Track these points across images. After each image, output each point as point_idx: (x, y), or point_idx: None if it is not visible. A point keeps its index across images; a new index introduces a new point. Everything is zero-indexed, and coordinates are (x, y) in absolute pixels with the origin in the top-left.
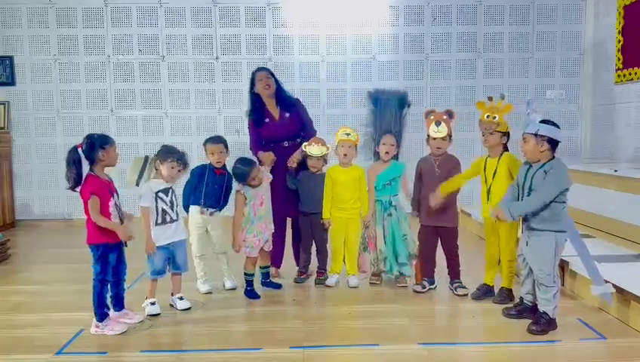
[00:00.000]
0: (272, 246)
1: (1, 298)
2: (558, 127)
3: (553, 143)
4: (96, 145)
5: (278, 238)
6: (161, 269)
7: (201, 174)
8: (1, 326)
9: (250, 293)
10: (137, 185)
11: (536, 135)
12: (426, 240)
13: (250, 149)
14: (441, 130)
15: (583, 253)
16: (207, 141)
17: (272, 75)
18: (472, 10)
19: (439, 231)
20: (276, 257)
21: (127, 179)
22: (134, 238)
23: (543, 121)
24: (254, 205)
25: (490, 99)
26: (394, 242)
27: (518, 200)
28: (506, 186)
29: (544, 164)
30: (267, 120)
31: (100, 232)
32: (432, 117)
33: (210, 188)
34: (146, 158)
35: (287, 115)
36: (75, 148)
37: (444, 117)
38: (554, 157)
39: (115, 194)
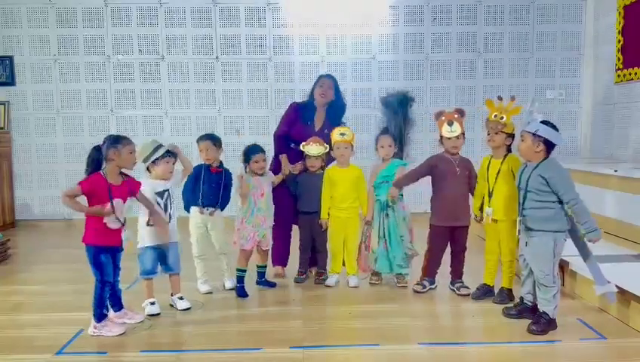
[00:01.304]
0: (270, 245)
1: (1, 298)
2: (557, 130)
3: (549, 145)
4: (109, 143)
5: (284, 238)
6: (150, 269)
7: (197, 174)
8: (1, 326)
9: (240, 291)
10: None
11: (534, 134)
12: (437, 241)
13: (274, 134)
14: (455, 130)
15: (584, 252)
16: (199, 138)
17: (337, 88)
18: (472, 10)
19: (453, 231)
20: (283, 256)
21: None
22: (109, 215)
23: (544, 122)
24: (255, 195)
25: (499, 98)
26: (390, 243)
27: (519, 200)
28: (508, 187)
29: (537, 165)
30: (309, 122)
31: (95, 234)
32: (443, 118)
33: (207, 187)
34: (158, 146)
35: (326, 131)
36: (96, 148)
37: (456, 115)
38: (546, 157)
39: (119, 200)
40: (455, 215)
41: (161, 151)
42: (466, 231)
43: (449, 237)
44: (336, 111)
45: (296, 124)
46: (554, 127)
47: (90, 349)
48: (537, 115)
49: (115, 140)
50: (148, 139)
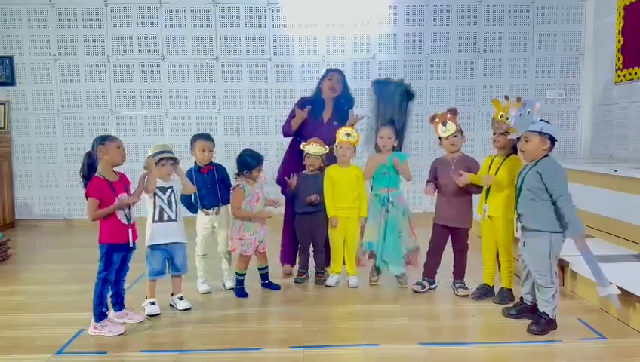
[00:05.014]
0: (265, 246)
1: (2, 298)
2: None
3: (554, 142)
4: (96, 142)
5: (292, 236)
6: (159, 270)
7: (190, 180)
8: (1, 326)
9: (240, 292)
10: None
11: (540, 133)
12: (436, 240)
13: (283, 128)
14: (449, 128)
15: (586, 254)
16: (197, 137)
17: (345, 82)
18: (472, 10)
19: (452, 231)
20: (291, 255)
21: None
22: (131, 203)
23: (542, 120)
24: (251, 201)
25: (506, 98)
26: (385, 238)
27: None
28: (505, 187)
29: (537, 163)
30: (316, 117)
31: (109, 232)
32: (437, 120)
33: (204, 190)
34: (163, 151)
35: (335, 123)
36: (87, 154)
37: (448, 115)
38: (547, 155)
39: (123, 194)
40: (448, 214)
41: (159, 158)
42: (465, 233)
43: (449, 236)
44: (343, 105)
45: (305, 119)
46: (548, 122)
47: (90, 349)
48: (536, 116)
49: (101, 139)
50: (163, 142)
